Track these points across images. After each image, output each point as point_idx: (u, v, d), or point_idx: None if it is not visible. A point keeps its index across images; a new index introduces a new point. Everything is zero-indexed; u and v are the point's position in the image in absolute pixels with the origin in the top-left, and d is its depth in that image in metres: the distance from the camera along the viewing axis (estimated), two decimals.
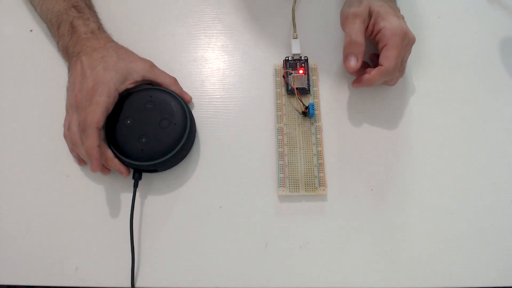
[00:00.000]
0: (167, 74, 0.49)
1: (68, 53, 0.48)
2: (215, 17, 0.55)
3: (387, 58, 0.45)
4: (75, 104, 0.44)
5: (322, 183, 0.46)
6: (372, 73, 0.46)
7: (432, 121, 0.50)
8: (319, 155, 0.47)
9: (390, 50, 0.45)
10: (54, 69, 0.51)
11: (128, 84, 0.46)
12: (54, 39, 0.50)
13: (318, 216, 0.46)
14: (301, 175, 0.47)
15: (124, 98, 0.47)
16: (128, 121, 0.45)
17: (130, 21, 0.55)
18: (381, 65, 0.45)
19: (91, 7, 0.51)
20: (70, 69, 0.47)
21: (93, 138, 0.42)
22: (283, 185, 0.46)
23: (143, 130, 0.45)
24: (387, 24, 0.45)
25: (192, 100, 0.50)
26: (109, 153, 0.44)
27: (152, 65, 0.48)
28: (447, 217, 0.46)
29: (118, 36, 0.52)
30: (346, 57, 0.47)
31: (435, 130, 0.49)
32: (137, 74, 0.46)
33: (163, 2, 0.56)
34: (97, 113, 0.42)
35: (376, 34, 0.46)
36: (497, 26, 0.54)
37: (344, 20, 0.47)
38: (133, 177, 0.45)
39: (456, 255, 0.45)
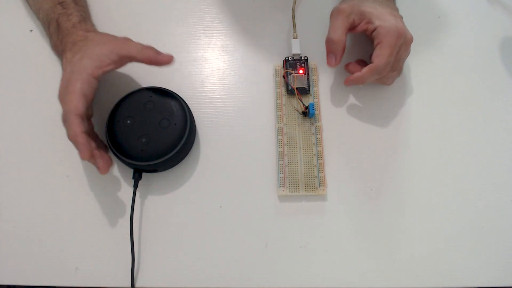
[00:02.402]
0: (141, 44, 0.46)
1: (58, 52, 0.48)
2: (215, 17, 0.55)
3: (378, 56, 0.45)
4: (59, 100, 0.43)
5: (322, 183, 0.46)
6: (363, 71, 0.46)
7: (432, 121, 0.50)
8: (319, 155, 0.47)
9: (382, 49, 0.45)
10: (54, 69, 0.51)
11: (105, 67, 0.44)
12: (47, 39, 0.50)
13: (318, 216, 0.46)
14: (301, 175, 0.47)
15: (124, 98, 0.47)
16: (128, 121, 0.45)
17: (130, 21, 0.55)
18: (372, 63, 0.45)
19: (77, 2, 0.50)
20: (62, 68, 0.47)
21: (74, 125, 0.41)
22: (283, 185, 0.46)
23: (143, 130, 0.45)
24: (382, 23, 0.45)
25: (192, 100, 0.50)
26: (93, 143, 0.43)
27: (126, 40, 0.46)
28: (447, 217, 0.46)
29: (118, 35, 0.51)
30: (327, 54, 0.48)
31: (435, 130, 0.49)
32: (113, 53, 0.44)
33: (163, 2, 0.56)
34: (73, 100, 0.41)
35: (371, 33, 0.46)
36: (497, 26, 0.54)
37: (330, 15, 0.48)
38: (133, 177, 0.45)
39: (456, 255, 0.45)
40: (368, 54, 0.51)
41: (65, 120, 0.42)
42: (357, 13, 0.46)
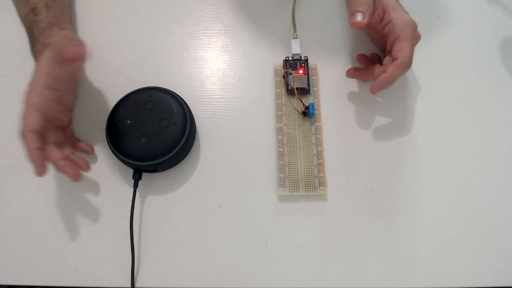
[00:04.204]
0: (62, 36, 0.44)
1: (35, 60, 0.46)
2: (215, 17, 0.55)
3: (402, 50, 0.44)
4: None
5: (322, 183, 0.46)
6: (389, 69, 0.44)
7: (432, 121, 0.50)
8: (319, 155, 0.47)
9: (403, 42, 0.44)
10: None
11: (55, 72, 0.41)
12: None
13: (318, 216, 0.46)
14: (301, 175, 0.47)
15: (124, 98, 0.47)
16: (128, 121, 0.45)
17: (130, 21, 0.55)
18: (396, 58, 0.44)
19: (50, 6, 0.47)
20: None
21: (27, 142, 0.40)
22: (283, 185, 0.46)
23: (143, 130, 0.45)
24: (398, 16, 0.44)
25: (192, 100, 0.50)
26: (57, 154, 0.42)
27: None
28: (447, 217, 0.46)
29: (118, 35, 0.52)
30: (352, 14, 0.44)
31: (435, 130, 0.49)
32: (52, 55, 0.41)
33: (163, 2, 0.56)
34: (28, 116, 0.40)
35: (386, 26, 0.45)
36: (497, 26, 0.54)
37: None
38: (133, 177, 0.45)
39: (456, 255, 0.45)
40: (369, 53, 0.51)
41: (21, 136, 0.40)
42: (378, 2, 0.45)
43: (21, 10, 0.48)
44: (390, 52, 0.46)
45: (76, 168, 0.42)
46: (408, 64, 0.44)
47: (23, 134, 0.40)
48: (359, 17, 0.43)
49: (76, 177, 0.41)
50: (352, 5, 0.44)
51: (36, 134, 0.40)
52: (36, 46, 0.45)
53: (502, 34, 0.54)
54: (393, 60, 0.44)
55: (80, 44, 0.42)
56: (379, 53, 0.52)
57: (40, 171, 0.40)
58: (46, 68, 0.41)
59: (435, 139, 0.49)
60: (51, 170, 0.47)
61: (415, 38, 0.45)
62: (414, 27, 0.44)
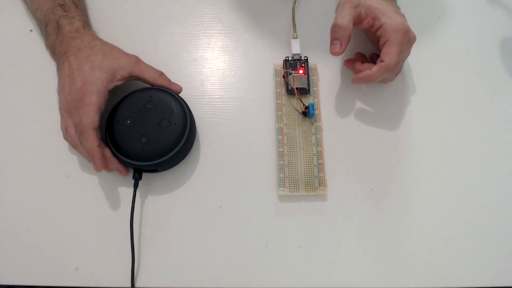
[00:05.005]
0: (153, 68, 0.48)
1: (55, 53, 0.48)
2: (215, 17, 0.55)
3: (389, 54, 0.45)
4: (67, 107, 0.44)
5: (322, 183, 0.46)
6: (373, 69, 0.45)
7: (432, 121, 0.50)
8: (319, 155, 0.47)
9: (391, 46, 0.45)
10: (54, 69, 0.51)
11: (116, 81, 0.45)
12: (42, 38, 0.51)
13: (318, 216, 0.46)
14: (301, 175, 0.47)
15: (124, 98, 0.47)
16: (128, 121, 0.45)
17: (130, 21, 0.55)
18: (382, 61, 0.45)
19: (78, 5, 0.50)
20: (58, 70, 0.47)
21: (92, 139, 0.42)
22: (283, 185, 0.46)
23: (143, 130, 0.45)
24: (389, 20, 0.45)
25: (192, 100, 0.50)
26: (107, 151, 0.44)
27: (137, 60, 0.47)
28: (447, 217, 0.46)
29: (118, 36, 0.52)
30: (331, 42, 0.46)
31: (435, 130, 0.49)
32: (124, 70, 0.46)
33: (163, 2, 0.56)
34: (91, 114, 0.42)
35: (377, 30, 0.46)
36: (497, 26, 0.54)
37: (336, 7, 0.47)
38: (133, 177, 0.45)
39: (456, 255, 0.45)
40: (368, 54, 0.51)
41: (82, 133, 0.42)
42: (364, 6, 0.46)
43: (43, 4, 0.49)
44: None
45: (123, 166, 0.46)
46: (392, 68, 0.45)
47: (87, 131, 0.42)
48: (336, 47, 0.46)
49: (124, 173, 0.46)
50: (331, 31, 0.46)
51: (96, 132, 0.43)
52: (70, 41, 0.46)
53: (502, 34, 0.54)
54: (380, 61, 0.45)
55: (168, 80, 0.48)
56: (379, 52, 0.52)
57: (101, 167, 0.43)
58: (111, 75, 0.44)
59: (435, 139, 0.49)
60: (51, 170, 0.48)
61: (407, 41, 0.45)
62: (405, 31, 0.45)
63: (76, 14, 0.49)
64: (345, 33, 0.45)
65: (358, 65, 0.49)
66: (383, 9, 0.46)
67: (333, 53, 0.46)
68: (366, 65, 0.48)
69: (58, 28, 0.47)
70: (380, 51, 0.46)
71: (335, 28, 0.46)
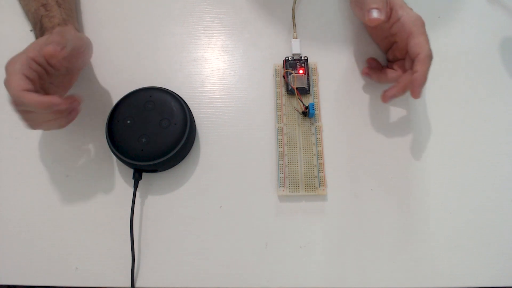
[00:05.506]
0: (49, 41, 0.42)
1: None
2: (215, 17, 0.55)
3: (420, 45, 0.43)
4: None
5: (322, 183, 0.46)
6: (418, 67, 0.42)
7: (432, 121, 0.50)
8: (319, 155, 0.47)
9: (418, 37, 0.43)
10: None
11: (49, 46, 0.40)
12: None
13: (318, 216, 0.46)
14: (301, 175, 0.47)
15: (124, 98, 0.47)
16: (128, 121, 0.45)
17: (130, 21, 0.55)
18: (418, 54, 0.43)
19: (61, 5, 0.49)
20: None
21: (27, 96, 0.39)
22: (283, 185, 0.46)
23: (143, 130, 0.45)
24: (405, 14, 0.44)
25: (192, 100, 0.50)
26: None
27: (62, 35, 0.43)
28: (447, 217, 0.46)
29: (118, 35, 0.52)
30: (368, 11, 0.43)
31: (435, 130, 0.49)
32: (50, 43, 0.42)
33: (163, 2, 0.56)
34: (14, 80, 0.39)
35: (393, 24, 0.45)
36: (497, 26, 0.54)
37: None
38: (133, 177, 0.45)
39: (456, 255, 0.45)
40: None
41: (13, 100, 0.39)
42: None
43: (30, 5, 0.49)
44: (402, 51, 0.46)
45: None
46: (431, 56, 0.43)
47: (16, 96, 0.39)
48: (375, 14, 0.43)
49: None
50: (366, 3, 0.44)
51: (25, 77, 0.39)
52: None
53: (502, 34, 0.54)
54: (414, 57, 0.43)
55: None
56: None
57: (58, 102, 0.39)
58: (42, 46, 0.40)
59: (435, 139, 0.49)
60: (51, 170, 0.48)
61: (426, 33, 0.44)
62: (423, 22, 0.44)
63: (57, 13, 0.47)
64: (383, 3, 0.43)
65: (379, 74, 0.48)
66: (399, 1, 0.45)
67: (373, 19, 0.43)
68: (388, 73, 0.47)
69: (41, 28, 0.47)
70: (386, 49, 0.45)
71: None
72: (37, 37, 0.48)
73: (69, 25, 0.47)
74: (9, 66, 0.40)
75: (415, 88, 0.43)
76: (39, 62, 0.41)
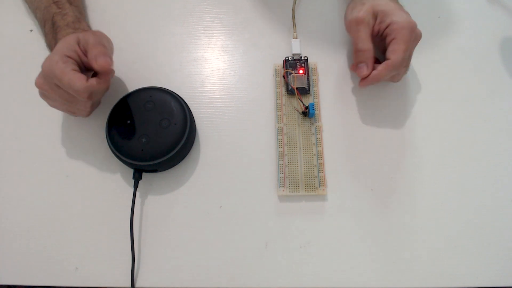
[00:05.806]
0: (98, 42, 0.44)
1: (51, 50, 0.47)
2: (215, 17, 0.55)
3: (395, 52, 0.44)
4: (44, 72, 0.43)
5: (322, 183, 0.46)
6: (379, 68, 0.45)
7: (432, 121, 0.50)
8: (319, 155, 0.47)
9: (398, 44, 0.44)
10: None
11: (76, 49, 0.43)
12: (43, 38, 0.50)
13: (318, 216, 0.46)
14: (301, 175, 0.47)
15: (124, 98, 0.47)
16: (128, 121, 0.45)
17: (130, 21, 0.55)
18: (388, 59, 0.45)
19: (72, 2, 0.50)
20: None
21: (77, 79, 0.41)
22: (283, 185, 0.46)
23: (143, 130, 0.45)
24: (395, 19, 0.45)
25: (192, 100, 0.50)
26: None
27: (101, 38, 0.45)
28: (447, 217, 0.46)
29: (118, 35, 0.51)
30: (356, 65, 0.47)
31: (435, 130, 0.49)
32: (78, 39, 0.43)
33: (163, 2, 0.56)
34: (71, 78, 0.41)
35: (384, 30, 0.46)
36: (497, 26, 0.54)
37: (348, 26, 0.48)
38: (133, 177, 0.45)
39: (456, 255, 0.45)
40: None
41: (77, 91, 0.41)
42: (372, 15, 0.46)
43: (39, 2, 0.49)
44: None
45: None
46: (398, 66, 0.45)
47: (78, 91, 0.41)
48: (364, 70, 0.46)
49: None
50: (354, 56, 0.47)
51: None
52: (59, 34, 0.46)
53: (502, 34, 0.54)
54: (386, 60, 0.45)
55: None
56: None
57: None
58: (71, 45, 0.43)
59: (435, 139, 0.49)
60: (51, 170, 0.48)
61: (413, 39, 0.45)
62: (412, 28, 0.45)
63: (70, 10, 0.48)
64: (369, 55, 0.46)
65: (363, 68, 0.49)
66: (389, 9, 0.46)
67: (362, 75, 0.47)
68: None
69: (53, 25, 0.47)
70: (383, 51, 0.46)
71: (358, 53, 0.46)
72: (45, 34, 0.48)
73: (82, 22, 0.48)
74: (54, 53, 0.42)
75: (364, 82, 0.47)
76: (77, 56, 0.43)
